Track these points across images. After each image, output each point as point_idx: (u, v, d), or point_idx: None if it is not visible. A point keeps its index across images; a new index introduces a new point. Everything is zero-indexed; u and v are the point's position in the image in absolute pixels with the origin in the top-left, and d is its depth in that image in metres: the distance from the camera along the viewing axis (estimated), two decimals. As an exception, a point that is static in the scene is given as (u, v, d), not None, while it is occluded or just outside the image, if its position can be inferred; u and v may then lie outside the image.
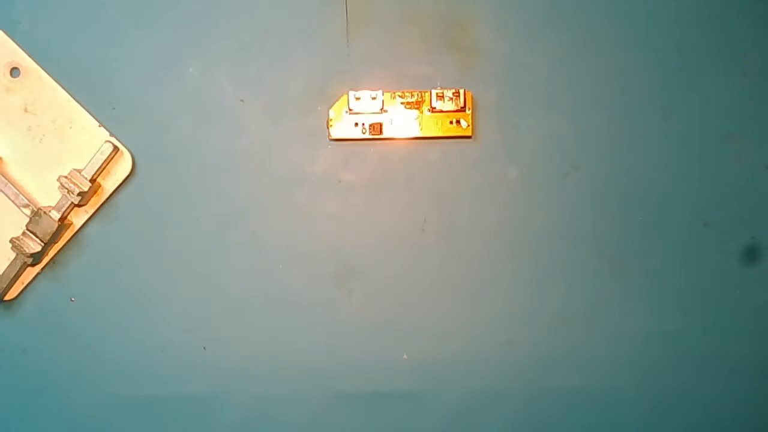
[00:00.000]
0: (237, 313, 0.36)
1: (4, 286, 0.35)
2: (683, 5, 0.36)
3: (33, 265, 0.36)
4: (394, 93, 0.36)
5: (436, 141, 0.36)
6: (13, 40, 0.36)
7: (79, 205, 0.35)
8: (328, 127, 0.36)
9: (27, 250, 0.34)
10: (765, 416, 0.37)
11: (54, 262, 0.37)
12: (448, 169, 0.36)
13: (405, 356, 0.36)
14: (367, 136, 0.36)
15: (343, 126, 0.36)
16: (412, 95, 0.36)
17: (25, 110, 0.36)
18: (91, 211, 0.36)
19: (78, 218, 0.36)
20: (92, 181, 0.35)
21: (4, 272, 0.35)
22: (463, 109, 0.36)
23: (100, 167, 0.35)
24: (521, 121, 0.36)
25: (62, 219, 0.35)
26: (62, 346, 0.36)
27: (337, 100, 0.36)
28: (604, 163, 0.36)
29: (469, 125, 0.36)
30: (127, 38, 0.36)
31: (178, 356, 0.36)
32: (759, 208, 0.36)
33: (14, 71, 0.36)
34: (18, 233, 0.35)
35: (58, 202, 0.35)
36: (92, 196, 0.36)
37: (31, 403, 0.37)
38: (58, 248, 0.36)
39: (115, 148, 0.35)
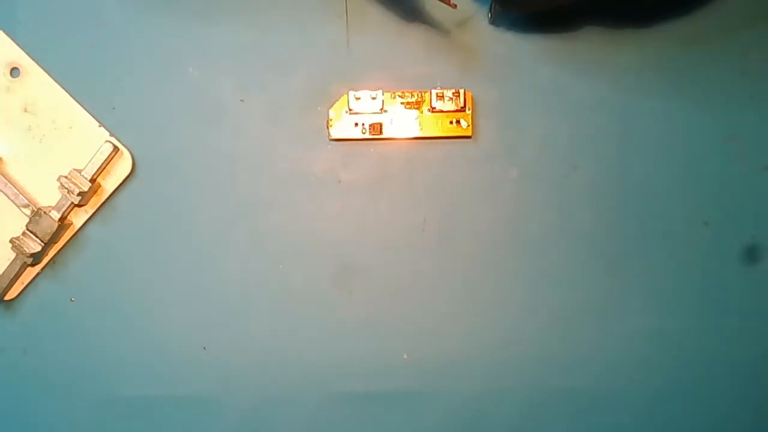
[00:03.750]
0: (237, 313, 0.36)
1: (4, 286, 0.35)
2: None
3: (33, 265, 0.36)
4: (394, 93, 0.36)
5: (436, 141, 0.36)
6: (13, 40, 0.36)
7: (79, 205, 0.35)
8: (328, 127, 0.36)
9: (27, 250, 0.34)
10: (765, 416, 0.37)
11: (54, 262, 0.37)
12: (448, 169, 0.36)
13: (405, 356, 0.36)
14: (367, 136, 0.36)
15: (343, 126, 0.36)
16: (412, 95, 0.36)
17: (25, 110, 0.36)
18: (91, 211, 0.36)
19: (78, 218, 0.36)
20: (92, 181, 0.35)
21: (4, 272, 0.35)
22: (463, 109, 0.36)
23: (100, 167, 0.35)
24: (521, 121, 0.36)
25: (62, 219, 0.35)
26: (62, 346, 0.36)
27: (337, 100, 0.36)
28: (604, 163, 0.36)
29: (469, 125, 0.36)
30: (127, 38, 0.36)
31: (178, 356, 0.36)
32: (759, 208, 0.36)
33: (14, 71, 0.36)
34: (18, 233, 0.35)
35: (58, 202, 0.35)
36: (92, 196, 0.36)
37: (31, 403, 0.37)
38: (58, 248, 0.36)
39: (115, 148, 0.35)
